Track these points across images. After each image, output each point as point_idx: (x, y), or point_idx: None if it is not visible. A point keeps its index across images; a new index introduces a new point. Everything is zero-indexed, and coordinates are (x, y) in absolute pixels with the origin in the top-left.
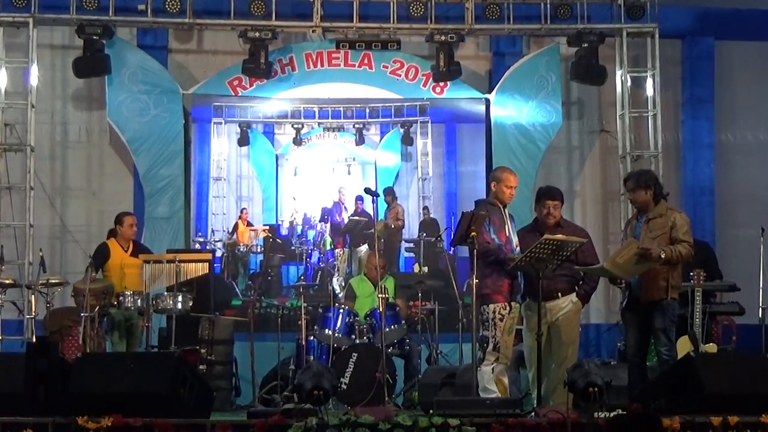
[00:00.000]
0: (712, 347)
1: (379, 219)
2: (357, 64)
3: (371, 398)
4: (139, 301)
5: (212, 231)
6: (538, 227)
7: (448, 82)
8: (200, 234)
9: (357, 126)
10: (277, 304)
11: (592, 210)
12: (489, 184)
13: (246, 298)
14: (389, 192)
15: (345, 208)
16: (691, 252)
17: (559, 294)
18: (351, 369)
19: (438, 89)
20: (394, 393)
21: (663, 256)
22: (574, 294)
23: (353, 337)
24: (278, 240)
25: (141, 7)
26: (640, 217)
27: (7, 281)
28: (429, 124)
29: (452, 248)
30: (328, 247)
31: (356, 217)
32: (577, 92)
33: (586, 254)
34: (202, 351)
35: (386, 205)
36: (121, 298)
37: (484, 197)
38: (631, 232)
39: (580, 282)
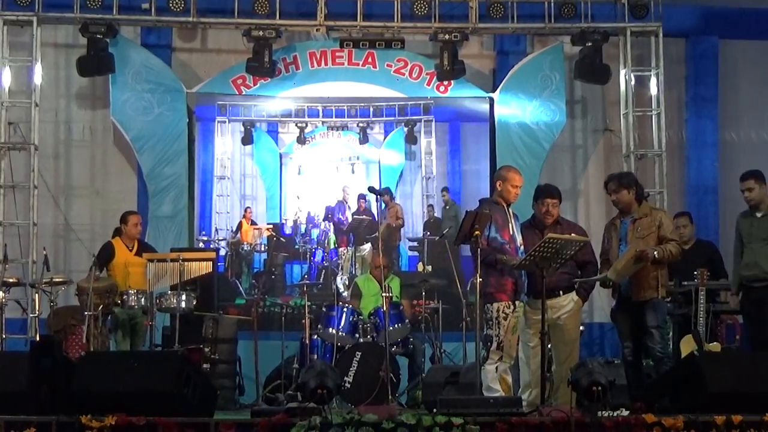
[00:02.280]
0: (716, 346)
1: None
2: (361, 63)
3: (375, 397)
4: (143, 299)
5: (216, 230)
6: (537, 225)
7: (452, 81)
8: (204, 233)
9: (361, 125)
10: (281, 303)
11: (595, 209)
12: (493, 183)
13: (250, 297)
14: (386, 192)
15: (349, 206)
16: (680, 250)
17: (561, 292)
18: (355, 368)
19: (442, 88)
20: (398, 392)
21: (657, 256)
22: (575, 292)
23: (357, 335)
24: (282, 239)
25: (145, 5)
26: (623, 219)
27: (11, 280)
28: (433, 123)
29: (456, 247)
30: (332, 246)
31: (360, 216)
32: (580, 91)
33: (585, 253)
34: (206, 350)
35: (384, 205)
36: (125, 296)
37: (488, 196)
38: (616, 234)
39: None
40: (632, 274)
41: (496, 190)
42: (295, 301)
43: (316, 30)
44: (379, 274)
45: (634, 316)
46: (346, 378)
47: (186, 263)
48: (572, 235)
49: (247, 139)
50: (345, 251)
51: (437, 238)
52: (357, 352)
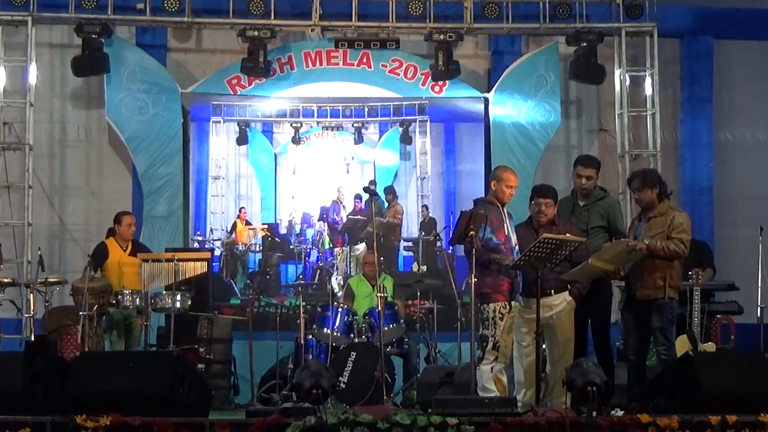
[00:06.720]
0: (710, 346)
1: (380, 216)
2: (356, 63)
3: (370, 397)
4: (137, 300)
5: (211, 230)
6: (532, 224)
7: (446, 81)
8: (199, 233)
9: (356, 125)
10: (276, 303)
11: None
12: (488, 183)
13: (245, 297)
14: (390, 191)
15: (344, 207)
16: (681, 249)
17: (552, 291)
18: (350, 368)
19: (437, 88)
20: (393, 392)
21: (647, 243)
22: (567, 292)
23: (352, 336)
24: (277, 239)
25: (140, 5)
26: (642, 217)
27: (6, 280)
28: (428, 123)
29: (451, 247)
30: (327, 246)
31: (355, 216)
32: (575, 91)
33: (581, 252)
34: (201, 350)
35: (387, 204)
36: (119, 297)
37: (483, 196)
38: (633, 232)
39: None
40: (639, 271)
41: (491, 190)
42: (290, 301)
43: (311, 30)
44: (371, 270)
45: (640, 316)
46: (341, 378)
47: (181, 263)
48: (567, 235)
49: (241, 139)
50: (340, 251)
51: (432, 238)
52: (352, 353)
